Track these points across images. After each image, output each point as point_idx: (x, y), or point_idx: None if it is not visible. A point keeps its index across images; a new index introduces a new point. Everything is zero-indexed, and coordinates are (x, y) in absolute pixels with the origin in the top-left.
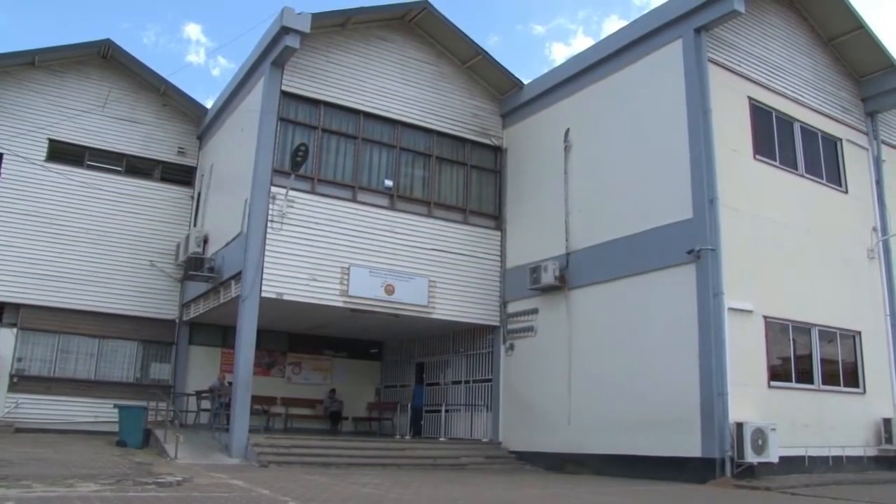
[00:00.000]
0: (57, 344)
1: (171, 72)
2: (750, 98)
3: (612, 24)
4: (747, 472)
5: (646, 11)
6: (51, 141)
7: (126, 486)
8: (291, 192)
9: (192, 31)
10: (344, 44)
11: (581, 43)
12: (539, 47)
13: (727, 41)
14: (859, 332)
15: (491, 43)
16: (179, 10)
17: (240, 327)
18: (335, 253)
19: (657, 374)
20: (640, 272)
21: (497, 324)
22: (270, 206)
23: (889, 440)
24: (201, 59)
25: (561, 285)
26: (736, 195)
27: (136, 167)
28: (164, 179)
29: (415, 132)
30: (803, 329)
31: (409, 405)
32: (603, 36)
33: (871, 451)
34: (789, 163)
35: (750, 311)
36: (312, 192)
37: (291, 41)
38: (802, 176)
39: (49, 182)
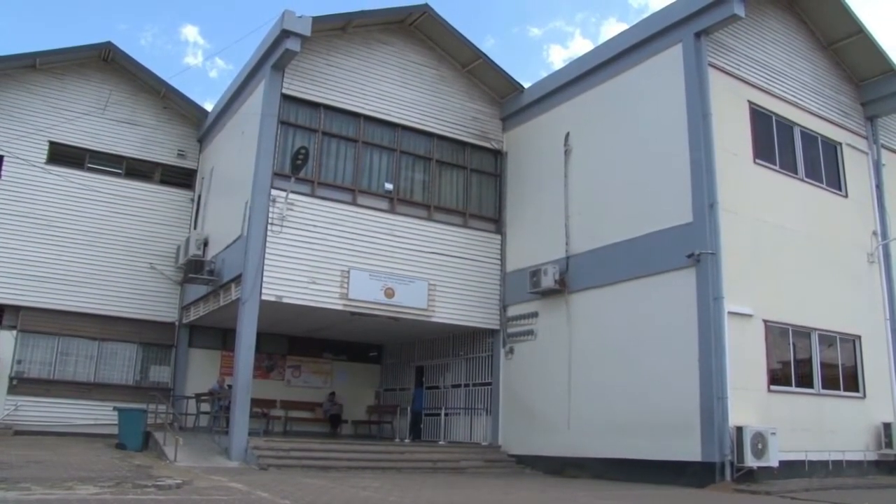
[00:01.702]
0: (56, 346)
1: (170, 74)
2: (750, 102)
3: (610, 27)
4: (747, 477)
5: (644, 15)
6: (51, 143)
7: (125, 488)
8: (291, 195)
9: (190, 32)
10: (344, 47)
11: (579, 45)
12: (536, 50)
13: (727, 45)
14: (859, 337)
15: (487, 45)
16: (177, 12)
17: (239, 330)
18: (335, 256)
19: (657, 377)
20: (640, 276)
21: (497, 327)
22: (270, 209)
23: (889, 444)
24: (199, 61)
25: (561, 289)
26: (736, 199)
27: (137, 170)
28: (164, 182)
29: (415, 135)
30: (803, 333)
31: (409, 408)
32: (601, 38)
33: (871, 456)
34: (789, 167)
35: (750, 315)
36: (312, 195)
37: (292, 45)
38: (802, 180)
39: (49, 184)
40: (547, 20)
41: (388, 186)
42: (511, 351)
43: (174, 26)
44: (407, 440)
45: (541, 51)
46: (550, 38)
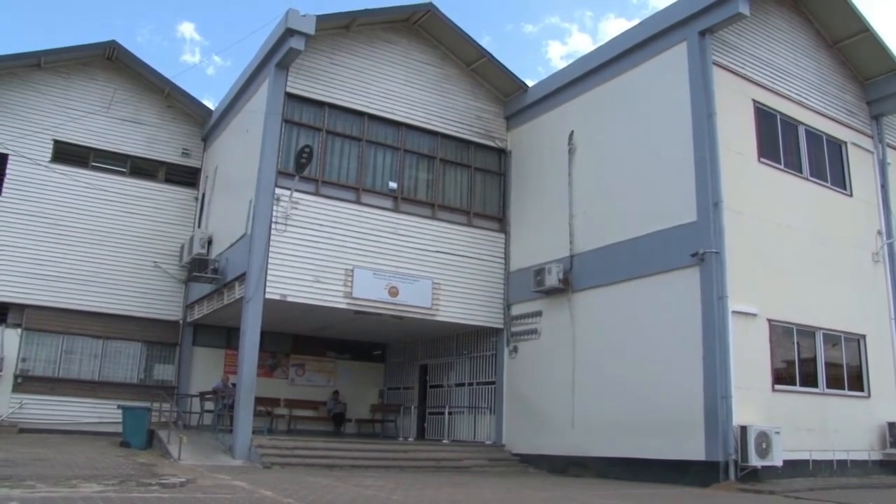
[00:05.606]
0: (61, 344)
1: (169, 72)
2: (754, 101)
3: (609, 23)
4: (751, 476)
5: (643, 11)
6: (56, 142)
7: (129, 486)
8: (295, 194)
9: (186, 29)
10: (348, 46)
11: (578, 41)
12: (534, 47)
13: (732, 44)
14: (864, 336)
15: (483, 43)
16: (173, 9)
17: (243, 329)
18: (339, 255)
19: (661, 377)
20: (644, 275)
21: (501, 326)
22: (274, 208)
23: (894, 444)
24: (196, 58)
25: (565, 288)
26: (740, 198)
27: (141, 168)
28: (168, 181)
29: (419, 134)
30: (808, 332)
31: (413, 407)
32: (599, 34)
33: (876, 455)
34: (794, 166)
35: (754, 315)
36: (316, 193)
37: (296, 43)
38: (807, 179)
39: (54, 183)
40: (542, 17)
41: (392, 185)
42: (515, 350)
43: (171, 23)
44: (410, 439)
45: (539, 48)
46: (547, 34)
